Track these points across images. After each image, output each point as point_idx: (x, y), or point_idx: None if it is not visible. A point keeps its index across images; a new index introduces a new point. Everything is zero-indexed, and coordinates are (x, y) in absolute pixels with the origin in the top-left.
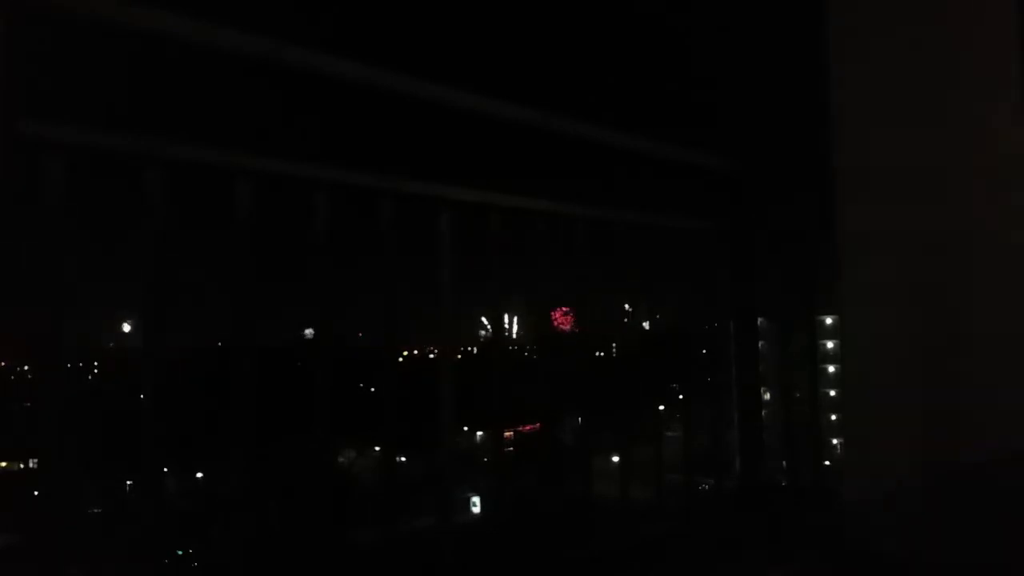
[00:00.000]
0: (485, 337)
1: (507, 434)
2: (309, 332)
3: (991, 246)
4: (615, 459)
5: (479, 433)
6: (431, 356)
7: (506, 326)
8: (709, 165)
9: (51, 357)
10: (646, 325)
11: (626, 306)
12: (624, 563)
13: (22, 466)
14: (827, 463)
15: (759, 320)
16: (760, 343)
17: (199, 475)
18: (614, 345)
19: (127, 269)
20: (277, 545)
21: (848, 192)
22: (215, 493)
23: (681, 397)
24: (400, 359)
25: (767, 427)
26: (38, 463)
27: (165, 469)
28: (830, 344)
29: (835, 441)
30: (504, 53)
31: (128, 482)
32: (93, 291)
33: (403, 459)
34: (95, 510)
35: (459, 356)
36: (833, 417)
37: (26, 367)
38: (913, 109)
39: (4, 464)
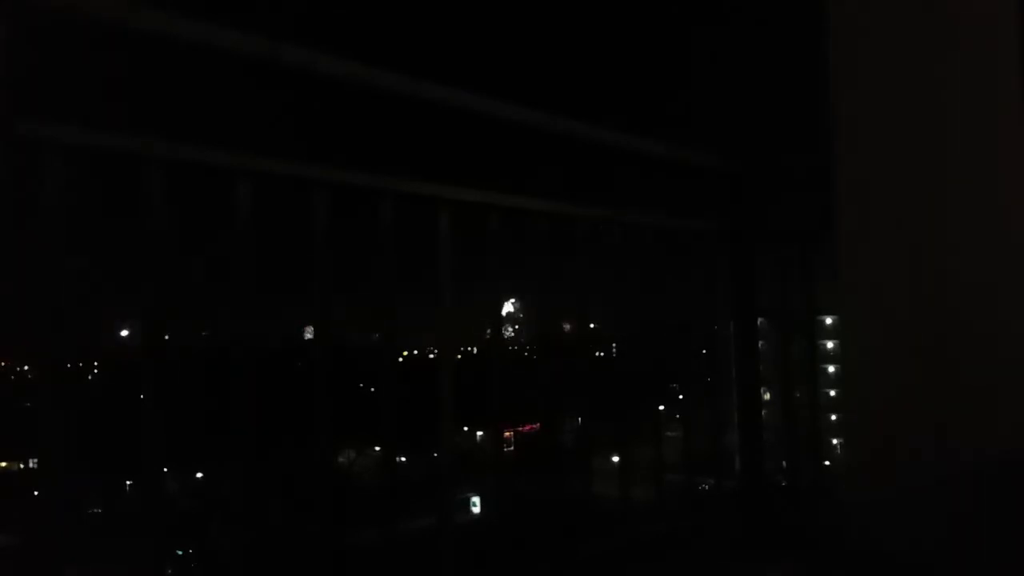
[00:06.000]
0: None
1: (507, 434)
2: (308, 333)
3: (991, 246)
4: (615, 459)
5: (479, 433)
6: (431, 356)
7: (505, 327)
8: (709, 165)
9: (51, 357)
10: (645, 325)
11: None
12: (624, 563)
13: (22, 466)
14: (827, 463)
15: (759, 320)
16: (760, 343)
17: (199, 475)
18: (614, 345)
19: (127, 269)
20: (277, 545)
21: (848, 192)
22: (215, 493)
23: (681, 397)
24: (400, 359)
25: (767, 427)
26: (38, 463)
27: (165, 469)
28: (830, 344)
29: (835, 441)
30: (507, 54)
31: (128, 482)
32: (93, 291)
33: (403, 459)
34: (95, 510)
35: (459, 356)
36: (833, 417)
37: (26, 367)
38: (913, 109)
39: (4, 464)
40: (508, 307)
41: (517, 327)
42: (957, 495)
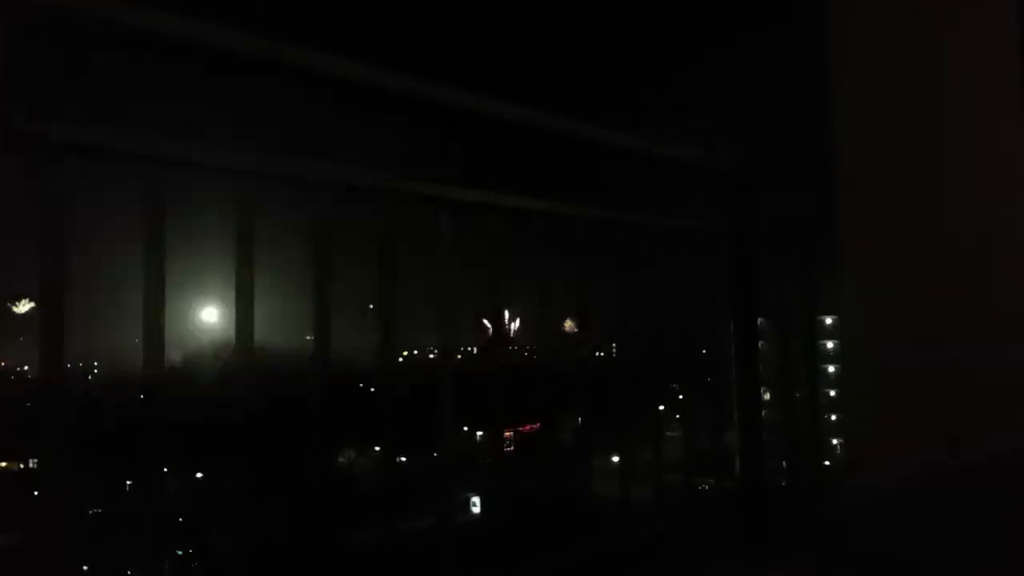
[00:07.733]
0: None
1: (507, 434)
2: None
3: (991, 246)
4: (615, 459)
5: (479, 433)
6: (431, 356)
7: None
8: (709, 165)
9: (51, 357)
10: (645, 324)
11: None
12: (624, 563)
13: (22, 466)
14: (827, 463)
15: (759, 320)
16: (760, 343)
17: (199, 475)
18: (614, 345)
19: (128, 270)
20: (277, 545)
21: (848, 192)
22: (215, 493)
23: (681, 397)
24: (400, 359)
25: (767, 427)
26: (38, 463)
27: (165, 469)
28: (830, 344)
29: (835, 441)
30: (502, 50)
31: (128, 482)
32: (94, 291)
33: (403, 459)
34: (95, 510)
35: (459, 356)
36: (833, 417)
37: (26, 367)
38: (913, 109)
39: (4, 464)
40: (507, 307)
41: (517, 326)
42: (957, 495)
